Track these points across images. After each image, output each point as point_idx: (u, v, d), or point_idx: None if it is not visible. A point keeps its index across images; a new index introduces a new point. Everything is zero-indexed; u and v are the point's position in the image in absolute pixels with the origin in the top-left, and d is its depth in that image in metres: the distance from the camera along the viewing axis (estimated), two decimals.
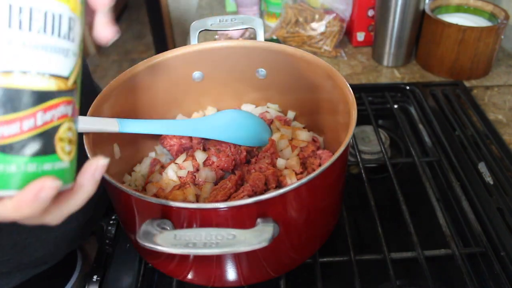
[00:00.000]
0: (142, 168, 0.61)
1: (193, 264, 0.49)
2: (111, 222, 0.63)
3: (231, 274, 0.49)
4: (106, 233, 0.62)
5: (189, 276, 0.50)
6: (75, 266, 0.74)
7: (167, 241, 0.38)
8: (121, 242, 0.60)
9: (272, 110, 0.68)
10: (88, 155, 0.45)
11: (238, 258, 0.47)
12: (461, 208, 0.66)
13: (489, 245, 0.60)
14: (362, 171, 0.70)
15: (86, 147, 0.46)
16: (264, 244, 0.38)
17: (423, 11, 1.00)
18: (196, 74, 0.64)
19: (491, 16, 0.99)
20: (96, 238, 0.67)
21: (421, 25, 1.01)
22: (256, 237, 0.38)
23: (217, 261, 0.47)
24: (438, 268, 0.60)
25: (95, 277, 0.57)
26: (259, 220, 0.41)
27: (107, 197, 0.71)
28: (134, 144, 0.62)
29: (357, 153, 0.74)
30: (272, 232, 0.39)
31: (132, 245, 0.59)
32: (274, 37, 1.11)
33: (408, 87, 0.92)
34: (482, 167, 0.71)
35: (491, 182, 0.68)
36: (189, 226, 0.42)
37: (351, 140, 0.51)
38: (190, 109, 0.68)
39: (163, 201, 0.41)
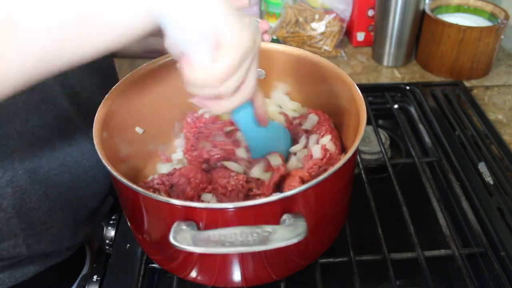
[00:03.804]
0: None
1: (197, 262, 0.49)
2: (111, 222, 0.63)
3: (234, 275, 0.49)
4: (106, 233, 0.62)
5: (192, 274, 0.50)
6: (84, 263, 0.75)
7: (203, 242, 0.38)
8: (121, 242, 0.60)
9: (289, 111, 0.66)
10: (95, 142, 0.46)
11: (243, 259, 0.47)
12: (461, 208, 0.66)
13: (489, 245, 0.60)
14: (362, 171, 0.70)
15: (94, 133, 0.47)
16: (300, 238, 0.38)
17: (423, 11, 1.00)
18: None
19: (491, 16, 0.99)
20: (96, 238, 0.67)
21: (421, 25, 1.01)
22: (291, 232, 0.39)
23: (221, 261, 0.47)
24: (438, 268, 0.60)
25: (95, 277, 0.57)
26: (285, 216, 0.41)
27: (113, 194, 0.71)
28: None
29: (357, 153, 0.74)
30: (305, 226, 0.39)
31: (132, 245, 0.59)
32: (274, 37, 1.11)
33: (408, 87, 0.92)
34: (482, 167, 0.71)
35: (491, 182, 0.68)
36: (214, 226, 0.42)
37: None
38: (190, 110, 0.67)
39: (189, 203, 0.41)
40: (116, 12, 0.34)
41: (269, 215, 0.42)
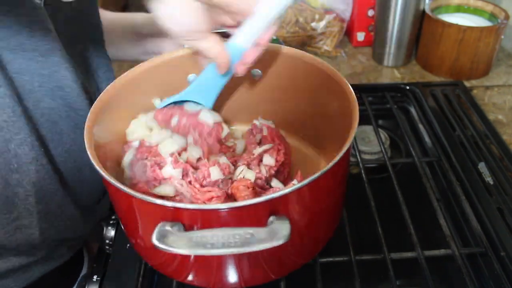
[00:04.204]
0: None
1: (194, 265, 0.49)
2: (111, 222, 0.63)
3: (231, 276, 0.49)
4: (106, 233, 0.62)
5: (189, 278, 0.50)
6: (82, 265, 0.75)
7: (184, 243, 0.38)
8: (121, 242, 0.60)
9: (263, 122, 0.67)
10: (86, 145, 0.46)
11: (239, 260, 0.47)
12: (461, 208, 0.66)
13: (489, 245, 0.60)
14: (362, 171, 0.70)
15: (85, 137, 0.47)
16: (282, 241, 0.38)
17: (423, 11, 1.00)
18: (191, 77, 0.64)
19: (491, 16, 0.99)
20: (96, 238, 0.67)
21: (421, 25, 1.01)
22: (273, 235, 0.38)
23: (218, 263, 0.47)
24: (438, 268, 0.60)
25: (95, 277, 0.57)
26: (271, 218, 0.41)
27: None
28: None
29: (357, 153, 0.74)
30: (289, 228, 0.39)
31: (132, 246, 0.59)
32: (274, 37, 1.11)
33: (408, 87, 0.92)
34: (482, 167, 0.71)
35: (491, 182, 0.68)
36: (201, 227, 0.42)
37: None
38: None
39: (175, 204, 0.40)
40: None
41: (256, 216, 0.42)
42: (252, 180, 0.56)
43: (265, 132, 0.63)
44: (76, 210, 0.64)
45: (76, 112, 0.60)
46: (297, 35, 1.10)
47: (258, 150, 0.60)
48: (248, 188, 0.53)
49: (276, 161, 0.59)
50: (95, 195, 0.69)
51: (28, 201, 0.56)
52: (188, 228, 0.41)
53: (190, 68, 0.63)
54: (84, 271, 0.74)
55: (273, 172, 0.58)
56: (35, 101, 0.55)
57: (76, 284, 0.72)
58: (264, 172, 0.57)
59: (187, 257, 0.47)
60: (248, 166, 0.58)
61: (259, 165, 0.58)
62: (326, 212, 0.51)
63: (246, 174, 0.57)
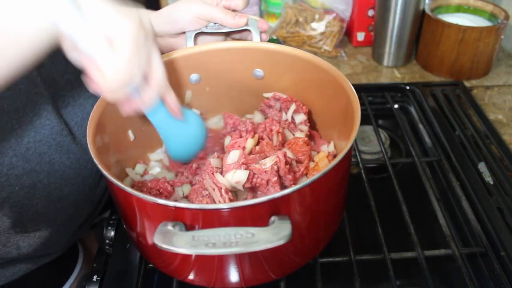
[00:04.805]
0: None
1: (195, 265, 0.49)
2: (111, 222, 0.63)
3: (232, 275, 0.49)
4: (106, 233, 0.62)
5: (190, 277, 0.50)
6: (76, 260, 0.74)
7: (186, 243, 0.38)
8: (121, 242, 0.60)
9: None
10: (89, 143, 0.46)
11: (240, 260, 0.47)
12: (461, 208, 0.66)
13: (489, 245, 0.60)
14: (362, 171, 0.70)
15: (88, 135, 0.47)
16: (283, 241, 0.38)
17: (423, 11, 1.00)
18: (194, 76, 0.64)
19: (491, 16, 0.99)
20: (96, 238, 0.67)
21: (421, 25, 1.01)
22: (275, 235, 0.38)
23: (219, 262, 0.47)
24: (438, 268, 0.60)
25: (95, 277, 0.57)
26: (273, 218, 0.41)
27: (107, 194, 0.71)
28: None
29: (357, 153, 0.74)
30: (290, 228, 0.39)
31: (132, 245, 0.59)
32: (274, 37, 1.11)
33: (408, 87, 0.92)
34: (482, 167, 0.71)
35: (491, 182, 0.68)
36: (202, 227, 0.42)
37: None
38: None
39: (176, 203, 0.41)
40: (19, 22, 0.35)
41: (257, 216, 0.42)
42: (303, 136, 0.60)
43: (284, 96, 0.64)
44: (65, 229, 0.64)
45: (63, 135, 0.59)
46: (297, 35, 1.10)
47: (288, 115, 0.63)
48: (307, 144, 0.57)
49: (304, 114, 0.62)
50: (92, 208, 0.69)
51: (5, 224, 0.56)
52: (189, 228, 0.41)
53: (193, 67, 0.63)
54: (78, 267, 0.74)
55: (308, 124, 0.63)
56: (17, 138, 0.54)
57: (76, 284, 0.72)
58: (306, 129, 0.62)
59: (188, 256, 0.47)
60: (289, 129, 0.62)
61: (295, 126, 0.63)
62: (327, 212, 0.51)
63: (296, 134, 0.61)
